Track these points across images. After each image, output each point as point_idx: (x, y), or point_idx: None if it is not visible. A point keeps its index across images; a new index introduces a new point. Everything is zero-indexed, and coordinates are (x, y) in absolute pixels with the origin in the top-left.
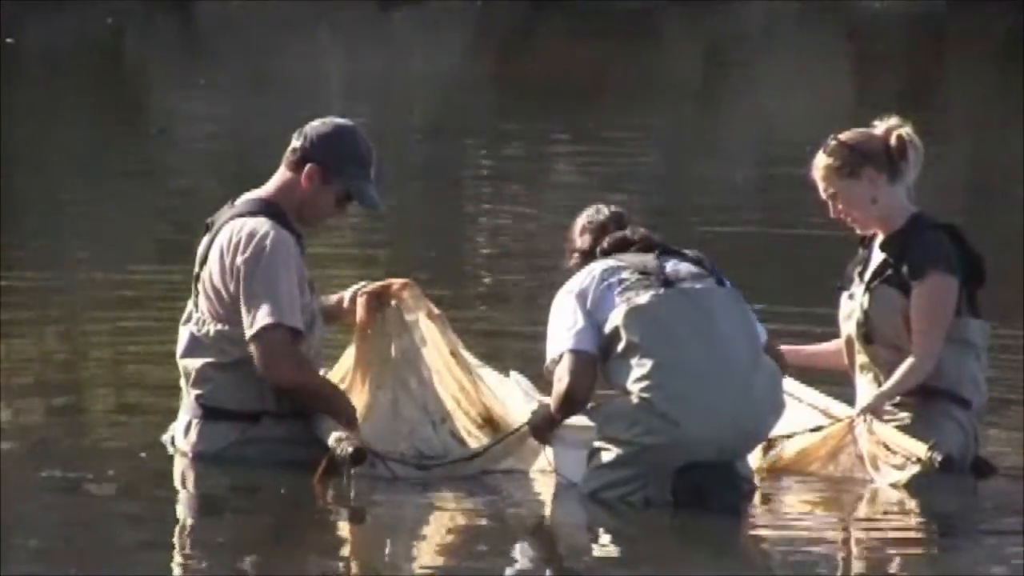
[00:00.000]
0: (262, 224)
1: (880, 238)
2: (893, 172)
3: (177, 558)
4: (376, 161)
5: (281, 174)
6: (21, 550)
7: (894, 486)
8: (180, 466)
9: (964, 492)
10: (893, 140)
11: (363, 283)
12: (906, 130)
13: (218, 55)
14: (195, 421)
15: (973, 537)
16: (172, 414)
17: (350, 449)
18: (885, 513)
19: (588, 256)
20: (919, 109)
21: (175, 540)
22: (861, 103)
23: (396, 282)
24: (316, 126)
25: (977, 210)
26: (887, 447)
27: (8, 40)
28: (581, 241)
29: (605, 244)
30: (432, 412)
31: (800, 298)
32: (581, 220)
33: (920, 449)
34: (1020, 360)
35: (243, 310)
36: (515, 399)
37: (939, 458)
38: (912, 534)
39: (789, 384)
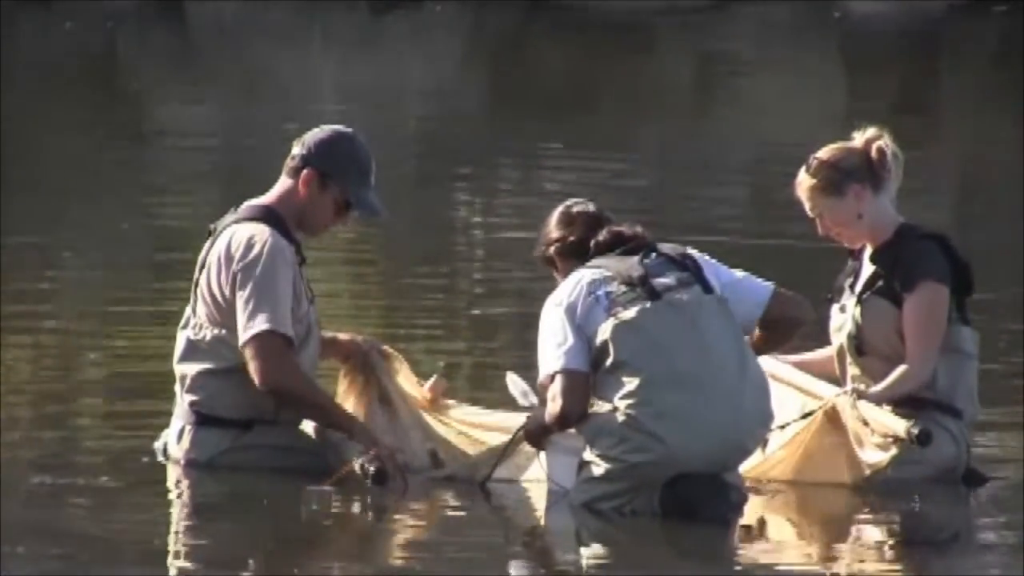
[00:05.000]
0: (260, 230)
1: (869, 250)
2: (877, 184)
3: (169, 566)
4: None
5: (281, 182)
6: (11, 557)
7: (875, 469)
8: (173, 473)
9: (956, 503)
10: (874, 152)
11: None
12: (886, 141)
13: (210, 60)
14: (188, 427)
15: (965, 549)
16: (164, 421)
17: (372, 469)
18: (876, 523)
19: (580, 246)
20: (912, 115)
21: (167, 548)
22: (853, 110)
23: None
24: (315, 133)
25: (970, 214)
26: (866, 423)
27: None
28: (570, 231)
29: (600, 237)
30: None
31: None
32: (563, 210)
33: (900, 426)
34: (1012, 366)
35: (238, 315)
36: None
37: (916, 432)
38: (903, 545)
39: (770, 363)
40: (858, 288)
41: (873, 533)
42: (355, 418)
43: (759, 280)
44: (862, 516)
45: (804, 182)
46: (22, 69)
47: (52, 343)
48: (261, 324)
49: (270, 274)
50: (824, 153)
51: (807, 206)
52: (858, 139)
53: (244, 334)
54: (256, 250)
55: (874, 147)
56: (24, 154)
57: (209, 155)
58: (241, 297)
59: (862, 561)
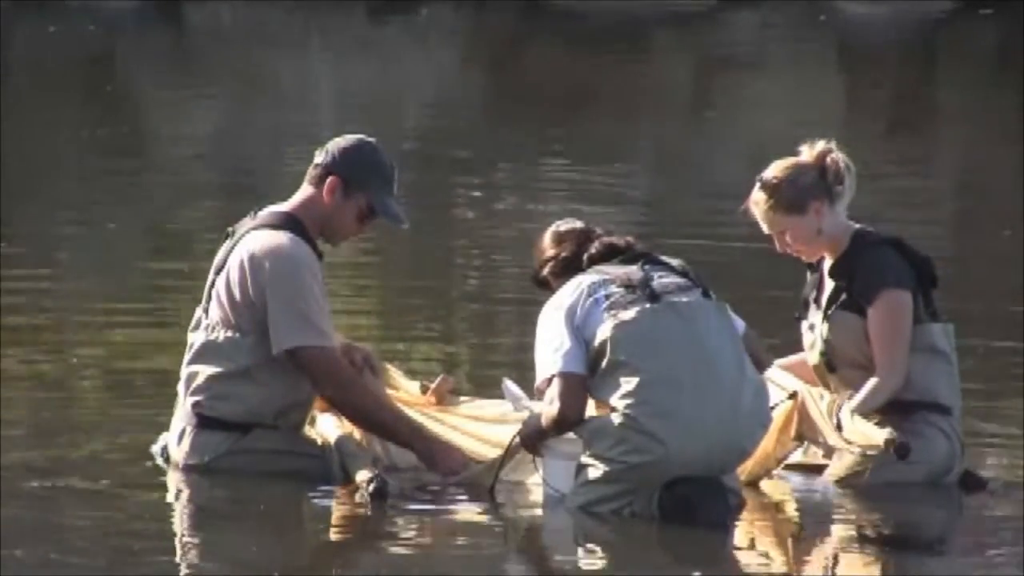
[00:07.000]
0: (287, 239)
1: (828, 262)
2: (832, 196)
3: (168, 569)
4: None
5: (304, 190)
6: (10, 560)
7: (839, 480)
8: (172, 476)
9: (951, 507)
10: (828, 163)
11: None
12: (837, 153)
13: (207, 63)
14: (189, 429)
15: (962, 551)
16: (163, 424)
17: (371, 488)
18: (871, 528)
19: (573, 261)
20: (910, 115)
21: (165, 551)
22: (851, 114)
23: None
24: (338, 141)
25: (968, 220)
26: (821, 425)
27: None
28: (562, 248)
29: (593, 250)
30: None
31: (788, 313)
32: (553, 230)
33: (880, 436)
34: (1011, 366)
35: (275, 324)
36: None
37: (895, 443)
38: (898, 550)
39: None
40: (823, 303)
41: (870, 536)
42: (420, 435)
43: (734, 315)
44: (859, 519)
45: (762, 202)
46: (18, 71)
47: (50, 346)
48: (313, 339)
49: (307, 284)
50: (779, 171)
51: (765, 225)
52: (807, 153)
53: (288, 343)
54: (289, 259)
55: (828, 160)
56: (19, 158)
57: (205, 159)
58: (280, 307)
59: (859, 564)
